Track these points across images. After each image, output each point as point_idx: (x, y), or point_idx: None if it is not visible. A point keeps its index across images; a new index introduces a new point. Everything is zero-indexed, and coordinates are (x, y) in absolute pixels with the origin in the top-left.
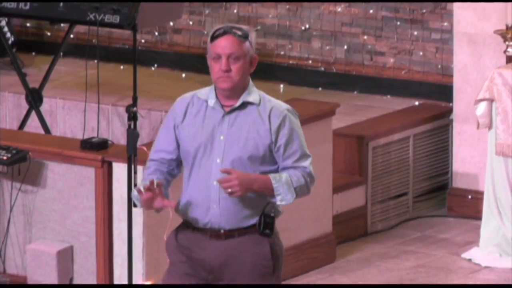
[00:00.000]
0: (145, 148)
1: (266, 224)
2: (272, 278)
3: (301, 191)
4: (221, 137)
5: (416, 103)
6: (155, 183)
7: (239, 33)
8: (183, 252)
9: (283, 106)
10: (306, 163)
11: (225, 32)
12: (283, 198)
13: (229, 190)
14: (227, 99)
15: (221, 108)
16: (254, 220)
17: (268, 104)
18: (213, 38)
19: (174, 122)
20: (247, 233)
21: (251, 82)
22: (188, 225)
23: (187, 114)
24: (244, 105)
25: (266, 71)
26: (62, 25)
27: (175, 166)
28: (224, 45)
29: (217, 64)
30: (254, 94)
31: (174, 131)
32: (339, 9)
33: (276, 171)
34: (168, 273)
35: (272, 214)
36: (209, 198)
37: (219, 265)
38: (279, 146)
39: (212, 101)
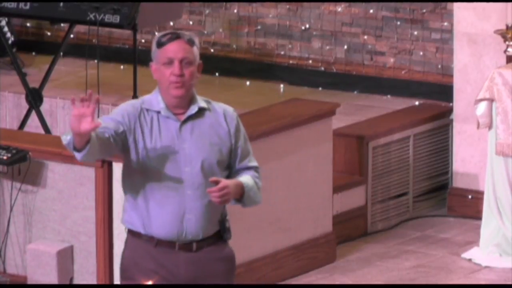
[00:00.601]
0: None
1: (226, 228)
2: (234, 278)
3: (260, 190)
4: (185, 146)
5: (416, 103)
6: (93, 97)
7: (187, 37)
8: (153, 272)
9: (230, 108)
10: (256, 162)
11: (175, 37)
12: (252, 201)
13: (221, 199)
14: (176, 107)
15: (175, 117)
16: (217, 227)
17: (217, 107)
18: (162, 43)
19: (124, 126)
20: (214, 241)
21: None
22: (147, 240)
23: (142, 125)
24: (199, 111)
25: (266, 71)
26: (62, 25)
27: (111, 145)
28: (176, 49)
29: (169, 69)
30: (201, 99)
31: (123, 128)
32: (339, 9)
33: (228, 175)
34: None
35: (227, 217)
36: (183, 209)
37: (194, 278)
38: (237, 148)
39: (165, 111)
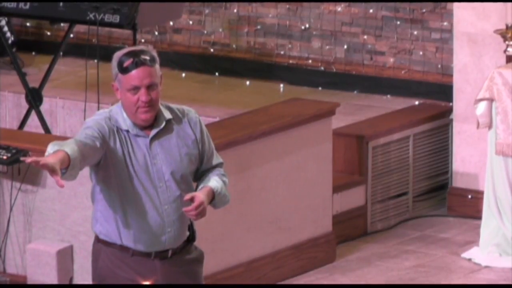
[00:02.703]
0: None
1: (194, 231)
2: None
3: (227, 188)
4: (156, 162)
5: (416, 102)
6: (41, 163)
7: (148, 58)
8: (132, 281)
9: (191, 111)
10: (220, 158)
11: (139, 63)
12: (222, 203)
13: (197, 217)
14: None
15: (143, 132)
16: (188, 231)
17: (179, 113)
18: (125, 69)
19: (103, 140)
20: (184, 245)
21: None
22: (122, 249)
23: (116, 143)
24: (166, 123)
25: (266, 71)
26: (62, 24)
27: (87, 159)
28: (141, 76)
29: (135, 95)
30: (164, 109)
31: (102, 141)
32: (339, 9)
33: (195, 177)
34: None
35: (192, 220)
36: (163, 223)
37: (171, 282)
38: (204, 152)
39: (133, 130)
